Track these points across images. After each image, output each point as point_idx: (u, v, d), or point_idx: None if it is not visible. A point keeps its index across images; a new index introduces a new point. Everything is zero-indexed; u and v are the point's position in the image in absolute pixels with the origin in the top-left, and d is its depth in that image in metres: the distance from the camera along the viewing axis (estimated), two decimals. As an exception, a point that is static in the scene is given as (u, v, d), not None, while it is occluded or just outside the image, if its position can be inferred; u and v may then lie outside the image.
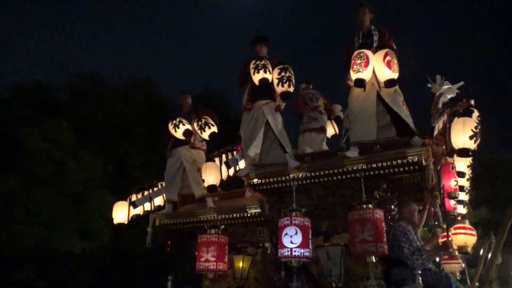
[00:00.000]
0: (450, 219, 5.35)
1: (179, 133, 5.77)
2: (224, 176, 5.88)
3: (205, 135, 5.71)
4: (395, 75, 4.62)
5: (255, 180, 5.10)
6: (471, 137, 4.39)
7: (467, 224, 5.27)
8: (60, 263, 15.15)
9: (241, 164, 6.19)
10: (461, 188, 5.65)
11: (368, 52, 4.68)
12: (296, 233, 4.35)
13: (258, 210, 5.07)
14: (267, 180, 5.09)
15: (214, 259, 4.86)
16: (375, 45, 5.03)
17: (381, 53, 4.64)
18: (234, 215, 5.21)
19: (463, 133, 4.43)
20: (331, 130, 7.25)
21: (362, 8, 5.24)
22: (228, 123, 10.60)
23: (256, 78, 5.14)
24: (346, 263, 4.67)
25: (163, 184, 6.10)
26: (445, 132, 4.82)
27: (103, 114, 17.54)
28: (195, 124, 5.74)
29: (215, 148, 6.38)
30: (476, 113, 4.99)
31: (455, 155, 5.18)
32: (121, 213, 5.81)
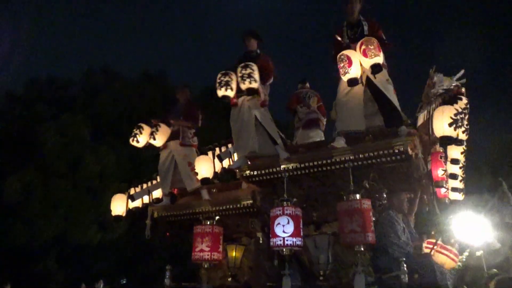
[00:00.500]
0: (438, 230, 5.38)
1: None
2: (218, 168, 6.02)
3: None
4: (375, 60, 4.60)
5: (247, 172, 5.22)
6: (450, 124, 4.40)
7: (454, 249, 5.16)
8: (79, 255, 15.54)
9: (236, 156, 6.31)
10: (454, 176, 5.71)
11: (348, 52, 4.73)
12: (288, 223, 4.48)
13: (250, 201, 5.20)
14: (259, 172, 5.20)
15: (209, 249, 5.02)
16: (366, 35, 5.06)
17: (358, 44, 4.70)
18: (228, 206, 5.36)
19: (442, 121, 4.46)
20: None
21: None
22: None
23: (219, 93, 5.27)
24: (335, 251, 4.80)
25: (161, 178, 6.24)
26: (429, 121, 4.84)
27: (117, 108, 17.73)
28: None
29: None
30: (463, 101, 5.03)
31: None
32: (119, 205, 6.03)
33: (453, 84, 4.96)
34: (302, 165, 4.99)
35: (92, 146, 15.64)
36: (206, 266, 5.05)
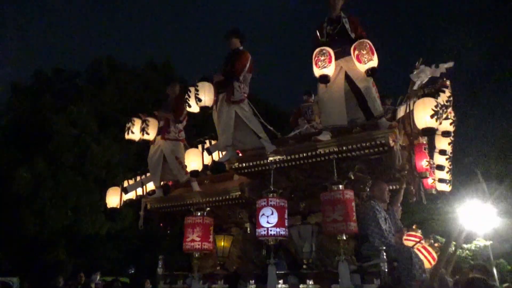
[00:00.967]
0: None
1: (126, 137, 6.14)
2: (208, 161, 6.17)
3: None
4: (369, 65, 4.67)
5: (236, 164, 5.38)
6: (432, 116, 4.47)
7: (434, 252, 5.07)
8: (88, 245, 15.82)
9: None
10: (441, 167, 5.81)
11: (330, 49, 4.78)
12: (272, 213, 4.65)
13: (239, 192, 5.34)
14: (247, 164, 5.35)
15: (199, 239, 5.17)
16: (350, 33, 5.11)
17: (352, 49, 4.76)
18: (218, 198, 5.52)
19: (424, 113, 4.53)
20: None
21: None
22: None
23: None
24: (320, 240, 4.93)
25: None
26: (410, 114, 4.93)
27: (123, 98, 17.91)
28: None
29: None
30: (446, 94, 5.11)
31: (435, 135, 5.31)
32: (114, 198, 6.22)
33: (439, 72, 5.04)
34: (289, 157, 5.11)
35: (99, 137, 15.87)
36: (196, 255, 5.21)
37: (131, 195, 6.28)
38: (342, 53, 4.96)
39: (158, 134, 6.09)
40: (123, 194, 6.19)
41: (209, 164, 6.22)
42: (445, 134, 5.64)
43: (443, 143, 5.82)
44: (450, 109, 5.46)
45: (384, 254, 4.27)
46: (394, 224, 5.13)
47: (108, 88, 18.03)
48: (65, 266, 14.64)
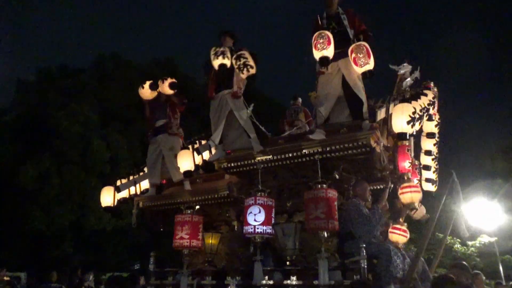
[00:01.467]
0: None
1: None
2: (199, 161, 6.32)
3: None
4: (365, 68, 4.83)
5: (225, 164, 5.53)
6: (408, 122, 4.60)
7: (412, 183, 5.50)
8: (94, 241, 16.00)
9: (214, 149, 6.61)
10: (427, 167, 5.91)
11: (329, 33, 4.92)
12: (259, 212, 4.82)
13: (227, 191, 5.49)
14: (236, 164, 5.50)
15: (188, 236, 5.33)
16: (349, 30, 5.25)
17: (350, 50, 4.92)
18: (207, 196, 5.68)
19: (401, 118, 4.64)
20: None
21: None
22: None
23: (216, 63, 5.51)
24: (303, 238, 5.06)
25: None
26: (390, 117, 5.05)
27: (127, 95, 18.08)
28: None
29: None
30: (429, 95, 5.21)
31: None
32: (107, 197, 6.38)
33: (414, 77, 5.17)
34: (275, 157, 5.25)
35: (103, 132, 16.04)
36: (185, 252, 5.37)
37: (125, 193, 6.45)
38: (342, 54, 5.16)
39: (157, 134, 6.27)
40: (116, 192, 6.36)
41: (200, 164, 6.38)
42: (430, 135, 5.76)
43: (428, 144, 5.93)
44: (434, 111, 5.56)
45: (364, 251, 4.41)
46: (378, 221, 5.22)
47: (112, 84, 18.21)
48: (72, 261, 14.84)
